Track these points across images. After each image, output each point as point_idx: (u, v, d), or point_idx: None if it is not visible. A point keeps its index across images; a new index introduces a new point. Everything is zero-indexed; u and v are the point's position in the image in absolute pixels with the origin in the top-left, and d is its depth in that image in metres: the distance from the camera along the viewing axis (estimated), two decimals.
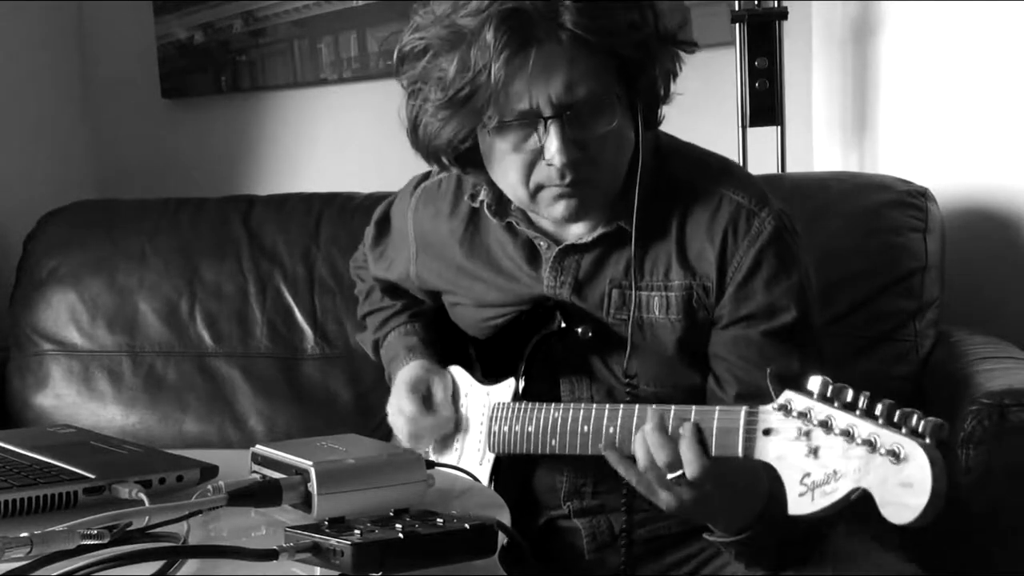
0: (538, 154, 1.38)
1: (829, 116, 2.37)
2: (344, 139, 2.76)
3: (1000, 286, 2.11)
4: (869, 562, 1.42)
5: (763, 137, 2.25)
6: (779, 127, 2.25)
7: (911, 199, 1.99)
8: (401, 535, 1.00)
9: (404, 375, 1.62)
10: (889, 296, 1.95)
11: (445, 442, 1.60)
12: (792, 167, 2.30)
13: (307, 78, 2.75)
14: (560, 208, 1.41)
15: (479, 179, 1.52)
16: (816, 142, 2.40)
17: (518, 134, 1.38)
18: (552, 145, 1.36)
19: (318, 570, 1.00)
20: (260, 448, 1.24)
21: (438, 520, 1.04)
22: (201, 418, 2.28)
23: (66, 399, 2.35)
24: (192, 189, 2.64)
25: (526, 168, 1.40)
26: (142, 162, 2.91)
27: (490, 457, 1.51)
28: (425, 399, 1.59)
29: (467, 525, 1.03)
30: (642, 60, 1.39)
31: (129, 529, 1.07)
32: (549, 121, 1.35)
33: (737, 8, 2.22)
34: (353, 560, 0.96)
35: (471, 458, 1.54)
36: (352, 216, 2.29)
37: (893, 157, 2.23)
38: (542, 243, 1.52)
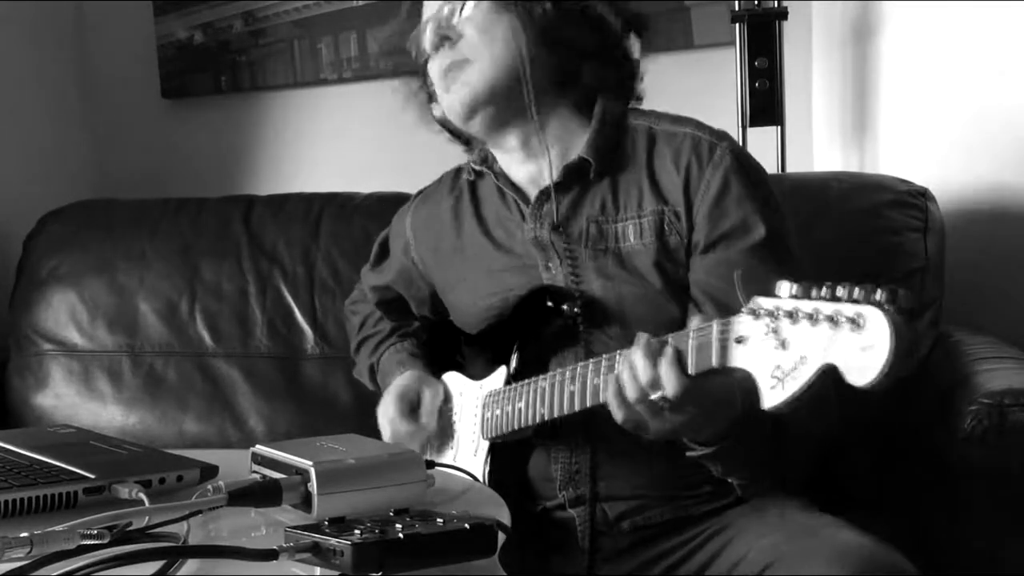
0: None
1: (829, 116, 2.37)
2: (344, 139, 2.76)
3: (1000, 286, 2.11)
4: (826, 533, 1.41)
5: (763, 137, 2.26)
6: (779, 127, 2.25)
7: (911, 199, 1.99)
8: (401, 535, 1.00)
9: (396, 383, 1.67)
10: None
11: (441, 440, 1.61)
12: (792, 167, 2.30)
13: (307, 78, 2.75)
14: (450, 97, 1.59)
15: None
16: (816, 142, 2.41)
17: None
18: (423, 27, 1.60)
19: (318, 570, 1.00)
20: (260, 448, 1.24)
21: (438, 520, 1.04)
22: (201, 418, 2.28)
23: (66, 399, 2.35)
24: (192, 189, 2.64)
25: (434, 64, 1.61)
26: (142, 162, 2.91)
27: (484, 445, 1.53)
28: (412, 408, 1.64)
29: (467, 525, 1.03)
30: None
31: (129, 529, 1.06)
32: (425, 5, 1.62)
33: (737, 8, 2.22)
34: (353, 560, 0.96)
35: (466, 450, 1.56)
36: (352, 216, 2.29)
37: (893, 157, 2.23)
38: (520, 201, 1.61)
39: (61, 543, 1.00)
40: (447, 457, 1.60)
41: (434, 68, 1.61)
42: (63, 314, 2.37)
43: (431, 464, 1.26)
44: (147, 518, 1.09)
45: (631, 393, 1.28)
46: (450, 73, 1.58)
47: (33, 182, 2.71)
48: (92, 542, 1.01)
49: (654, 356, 1.25)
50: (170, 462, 1.31)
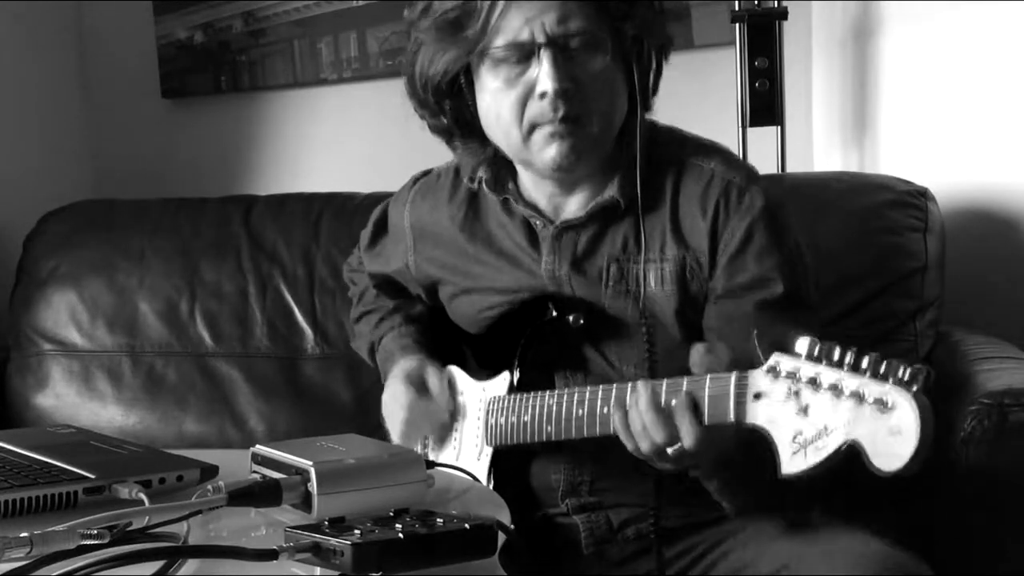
0: (531, 88, 1.42)
1: (829, 116, 2.37)
2: (344, 139, 2.76)
3: (1000, 286, 2.11)
4: (842, 538, 1.41)
5: (763, 137, 2.25)
6: (779, 127, 2.25)
7: (911, 199, 1.99)
8: (401, 535, 1.00)
9: (399, 367, 1.64)
10: (889, 296, 1.95)
11: (443, 438, 1.61)
12: (792, 167, 2.30)
13: (307, 78, 2.75)
14: (552, 151, 1.43)
15: (471, 148, 1.54)
16: (816, 142, 2.40)
17: (512, 68, 1.42)
18: (545, 72, 1.39)
19: (318, 570, 1.00)
20: (260, 448, 1.24)
21: (438, 520, 1.04)
22: (201, 418, 2.28)
23: (66, 399, 2.35)
24: (192, 189, 2.64)
25: (519, 104, 1.43)
26: (142, 162, 2.91)
27: (488, 451, 1.52)
28: (420, 390, 1.60)
29: (467, 525, 1.03)
30: (626, 11, 1.42)
31: (129, 529, 1.07)
32: (543, 49, 1.39)
33: (737, 8, 2.22)
34: (353, 560, 0.96)
35: (469, 453, 1.55)
36: (352, 216, 2.29)
37: (893, 157, 2.23)
38: (537, 222, 1.54)
39: (61, 543, 1.00)
40: (448, 452, 1.59)
41: (530, 106, 1.42)
42: (63, 314, 2.37)
43: (431, 464, 1.26)
44: (147, 518, 1.09)
45: (646, 448, 1.28)
46: (560, 121, 1.41)
47: (33, 182, 2.71)
48: (92, 542, 1.01)
49: (667, 408, 1.24)
50: (170, 462, 1.31)
